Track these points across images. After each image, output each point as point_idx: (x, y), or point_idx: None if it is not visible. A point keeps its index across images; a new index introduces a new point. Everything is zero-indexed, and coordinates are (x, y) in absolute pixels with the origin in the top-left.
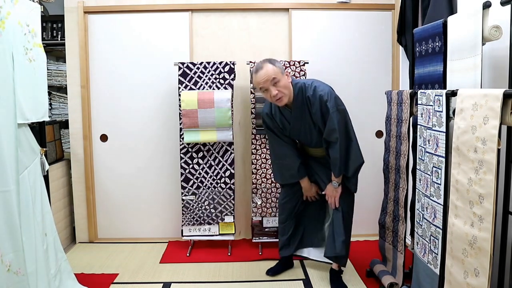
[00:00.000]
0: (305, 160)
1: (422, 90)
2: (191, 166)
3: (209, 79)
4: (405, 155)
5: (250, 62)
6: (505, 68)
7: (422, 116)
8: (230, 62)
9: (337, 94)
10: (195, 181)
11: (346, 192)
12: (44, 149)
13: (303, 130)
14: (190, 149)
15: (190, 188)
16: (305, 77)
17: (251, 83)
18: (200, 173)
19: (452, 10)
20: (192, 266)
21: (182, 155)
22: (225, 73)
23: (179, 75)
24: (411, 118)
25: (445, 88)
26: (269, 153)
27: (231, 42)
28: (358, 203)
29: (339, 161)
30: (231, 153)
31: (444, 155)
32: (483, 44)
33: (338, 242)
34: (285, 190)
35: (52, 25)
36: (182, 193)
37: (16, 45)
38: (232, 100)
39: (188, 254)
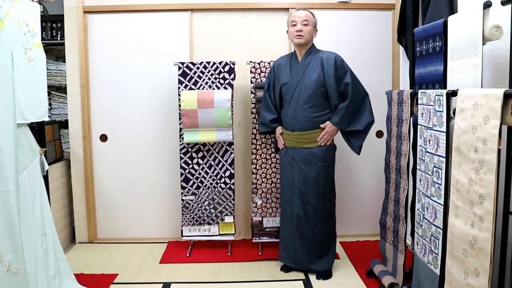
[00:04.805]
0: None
1: (423, 90)
2: (191, 166)
3: (209, 79)
4: (406, 155)
5: (250, 62)
6: (506, 68)
7: (422, 116)
8: (230, 62)
9: None
10: (195, 181)
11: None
12: (44, 149)
13: (298, 86)
14: (190, 149)
15: (190, 188)
16: None
17: (251, 83)
18: (200, 173)
19: (452, 9)
20: (192, 266)
21: (182, 155)
22: (225, 73)
23: (179, 75)
24: (411, 118)
25: (445, 88)
26: (269, 153)
27: (231, 42)
28: (359, 203)
29: (343, 111)
30: (231, 153)
31: (444, 155)
32: (483, 44)
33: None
34: None
35: (52, 25)
36: (182, 193)
37: (16, 45)
38: (232, 100)
39: (188, 254)
